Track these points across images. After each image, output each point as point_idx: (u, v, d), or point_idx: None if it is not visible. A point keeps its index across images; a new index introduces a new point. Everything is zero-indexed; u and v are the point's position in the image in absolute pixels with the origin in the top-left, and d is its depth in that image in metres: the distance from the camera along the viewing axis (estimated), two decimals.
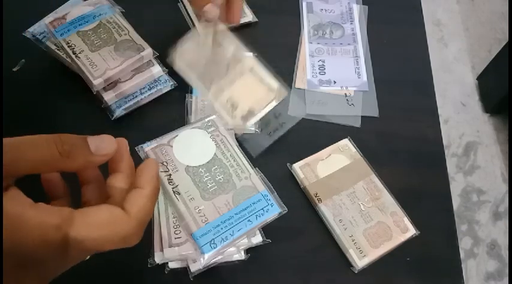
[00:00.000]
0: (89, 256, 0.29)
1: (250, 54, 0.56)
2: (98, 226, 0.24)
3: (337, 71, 0.56)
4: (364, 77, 0.56)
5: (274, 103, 0.50)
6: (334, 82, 0.55)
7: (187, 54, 0.55)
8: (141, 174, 0.29)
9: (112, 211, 0.26)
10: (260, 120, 0.50)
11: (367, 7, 0.63)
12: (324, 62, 0.56)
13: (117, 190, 0.28)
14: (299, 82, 0.55)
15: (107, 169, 0.30)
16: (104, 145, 0.27)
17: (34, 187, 0.26)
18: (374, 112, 0.54)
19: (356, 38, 0.59)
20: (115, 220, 0.25)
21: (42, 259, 0.24)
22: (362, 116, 0.54)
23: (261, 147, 0.48)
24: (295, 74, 0.56)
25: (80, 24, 0.52)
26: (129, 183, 0.28)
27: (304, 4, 0.60)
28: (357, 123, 0.53)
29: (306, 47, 0.58)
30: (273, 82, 0.51)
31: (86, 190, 0.30)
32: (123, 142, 0.29)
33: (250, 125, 0.49)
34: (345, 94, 0.55)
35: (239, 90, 0.51)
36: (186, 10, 0.60)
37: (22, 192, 0.24)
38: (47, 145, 0.24)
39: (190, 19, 0.59)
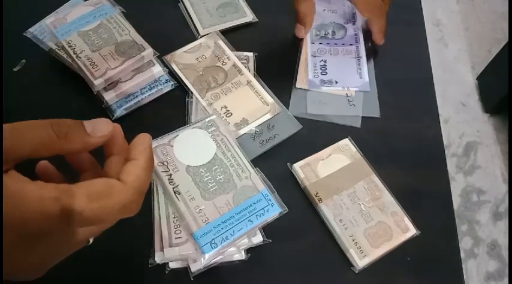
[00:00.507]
0: (91, 240, 0.29)
1: (251, 54, 0.57)
2: (96, 196, 0.25)
3: (338, 71, 0.56)
4: (366, 78, 0.56)
5: (268, 116, 0.51)
6: (336, 82, 0.55)
7: (185, 59, 0.55)
8: (134, 147, 0.29)
9: (109, 181, 0.26)
10: (253, 129, 0.50)
11: None
12: (325, 62, 0.56)
13: (113, 169, 0.29)
14: (300, 82, 0.55)
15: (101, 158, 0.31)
16: (100, 126, 0.28)
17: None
18: (375, 112, 0.54)
19: (358, 39, 0.59)
20: (112, 189, 0.26)
21: (45, 233, 0.24)
22: (362, 116, 0.54)
23: (251, 154, 0.48)
24: (296, 73, 0.56)
25: (80, 25, 0.52)
26: (122, 163, 0.29)
27: None
28: (357, 123, 0.53)
29: (308, 47, 0.58)
30: (268, 98, 0.52)
31: (84, 178, 0.31)
32: (117, 127, 0.30)
33: (243, 133, 0.50)
34: (346, 94, 0.55)
35: (235, 100, 0.52)
36: (186, 10, 0.60)
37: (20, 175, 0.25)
38: (44, 129, 0.25)
39: (191, 19, 0.60)
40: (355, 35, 0.59)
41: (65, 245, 0.27)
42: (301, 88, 0.55)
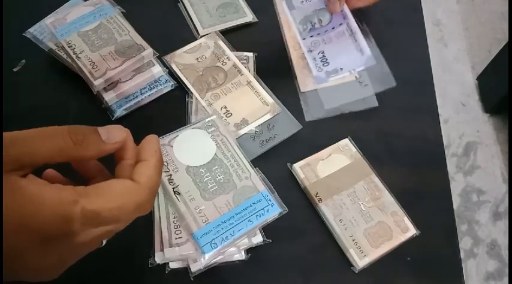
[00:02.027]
0: (105, 242, 0.30)
1: (251, 54, 0.57)
2: (112, 196, 0.26)
3: (339, 57, 0.54)
4: (367, 51, 0.53)
5: (268, 116, 0.51)
6: (341, 69, 0.54)
7: (184, 59, 0.55)
8: (144, 149, 0.30)
9: (123, 182, 0.27)
10: (253, 129, 0.50)
11: None
12: (323, 53, 0.55)
13: (125, 172, 0.29)
14: (303, 85, 0.55)
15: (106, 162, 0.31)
16: (114, 133, 0.28)
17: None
18: (390, 83, 0.53)
19: (345, 14, 0.54)
20: (127, 190, 0.27)
21: (63, 235, 0.25)
22: (376, 94, 0.53)
23: (251, 155, 0.48)
24: (295, 79, 0.56)
25: (80, 25, 0.52)
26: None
27: (283, 4, 0.57)
28: (374, 103, 0.53)
29: (302, 44, 0.56)
30: (268, 98, 0.52)
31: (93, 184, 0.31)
32: (128, 132, 0.30)
33: (243, 133, 0.50)
34: (355, 77, 0.54)
35: (235, 100, 0.52)
36: (186, 10, 0.60)
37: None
38: (61, 136, 0.26)
39: (191, 19, 0.60)
40: (341, 11, 0.55)
41: (81, 247, 0.27)
42: (307, 91, 0.54)
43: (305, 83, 0.55)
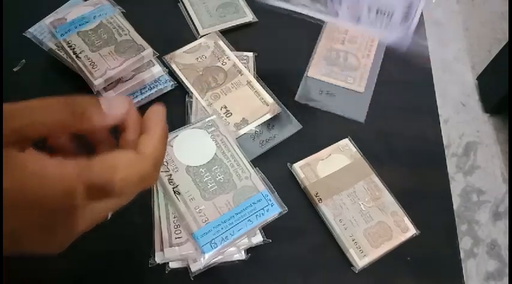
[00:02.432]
0: (110, 215, 0.29)
1: (251, 54, 0.57)
2: (116, 168, 0.25)
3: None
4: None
5: (268, 116, 0.51)
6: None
7: (184, 59, 0.55)
8: (148, 119, 0.29)
9: (127, 154, 0.26)
10: (253, 129, 0.50)
11: None
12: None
13: (129, 143, 0.28)
14: (313, 71, 0.55)
15: None
16: (116, 104, 0.27)
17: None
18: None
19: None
20: (131, 162, 0.26)
21: (67, 210, 0.24)
22: (376, 94, 0.54)
23: (251, 154, 0.48)
24: (310, 62, 0.56)
25: (80, 25, 0.52)
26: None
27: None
28: (362, 119, 0.54)
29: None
30: (268, 98, 0.52)
31: (99, 151, 0.30)
32: (131, 103, 0.29)
33: (243, 133, 0.50)
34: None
35: (235, 100, 0.52)
36: (186, 10, 0.60)
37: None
38: (60, 108, 0.25)
39: (191, 19, 0.60)
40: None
41: (86, 220, 0.26)
42: (312, 78, 0.55)
43: (314, 71, 0.55)
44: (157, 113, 0.29)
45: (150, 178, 0.27)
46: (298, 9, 0.45)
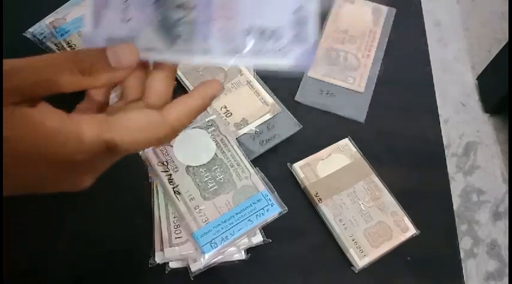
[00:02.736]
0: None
1: None
2: (135, 130, 0.24)
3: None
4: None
5: (268, 116, 0.51)
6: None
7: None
8: (200, 86, 0.27)
9: (149, 116, 0.25)
10: (253, 129, 0.50)
11: None
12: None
13: (155, 92, 0.26)
14: (313, 71, 0.55)
15: None
16: (124, 55, 0.25)
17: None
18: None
19: None
20: (151, 125, 0.25)
21: (88, 163, 0.24)
22: (376, 94, 0.54)
23: (251, 154, 0.48)
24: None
25: (80, 25, 0.52)
26: (169, 85, 0.27)
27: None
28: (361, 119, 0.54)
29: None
30: (268, 98, 0.52)
31: (125, 86, 0.28)
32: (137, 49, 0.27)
33: (243, 133, 0.50)
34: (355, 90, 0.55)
35: (235, 100, 0.52)
36: None
37: (51, 106, 0.24)
38: (66, 65, 0.23)
39: None
40: None
41: (107, 165, 0.26)
42: (312, 78, 0.55)
43: (315, 71, 0.56)
44: (213, 87, 0.27)
45: (166, 140, 0.26)
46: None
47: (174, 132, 0.26)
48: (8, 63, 0.23)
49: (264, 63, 0.25)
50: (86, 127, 0.23)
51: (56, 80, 0.23)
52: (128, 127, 0.24)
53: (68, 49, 0.50)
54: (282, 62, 0.25)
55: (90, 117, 0.24)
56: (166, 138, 0.26)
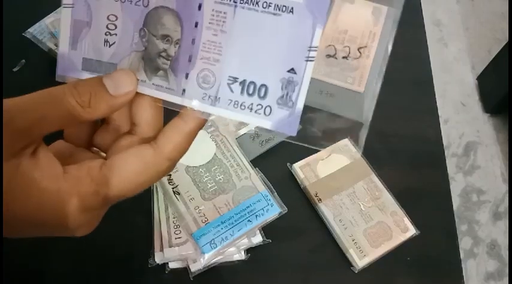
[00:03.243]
0: None
1: None
2: (133, 177, 0.24)
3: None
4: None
5: None
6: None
7: None
8: (185, 113, 0.25)
9: (144, 155, 0.24)
10: (253, 129, 0.50)
11: None
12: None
13: (145, 122, 0.25)
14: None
15: None
16: (122, 82, 0.24)
17: None
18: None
19: None
20: (148, 166, 0.24)
21: (89, 215, 0.24)
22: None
23: (251, 155, 0.48)
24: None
25: None
26: (157, 112, 0.25)
27: None
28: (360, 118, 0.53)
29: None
30: None
31: (109, 128, 0.28)
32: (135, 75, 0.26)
33: (243, 133, 0.50)
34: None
35: None
36: None
37: (50, 153, 0.23)
38: (65, 100, 0.23)
39: None
40: None
41: (98, 219, 0.26)
42: (312, 78, 0.55)
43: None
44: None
45: (166, 173, 0.25)
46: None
47: (174, 163, 0.25)
48: (8, 103, 0.22)
49: (242, 118, 0.23)
50: (84, 188, 0.23)
51: (56, 117, 0.23)
52: (125, 177, 0.24)
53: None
54: (262, 122, 0.23)
55: (87, 177, 0.23)
56: (166, 172, 0.25)
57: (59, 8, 0.56)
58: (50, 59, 0.54)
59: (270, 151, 0.50)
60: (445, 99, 1.40)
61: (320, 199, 0.47)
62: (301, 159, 0.49)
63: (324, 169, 0.49)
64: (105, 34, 0.24)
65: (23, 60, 0.55)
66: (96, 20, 0.24)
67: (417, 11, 0.65)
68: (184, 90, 0.24)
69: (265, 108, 0.23)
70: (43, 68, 0.55)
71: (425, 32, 0.63)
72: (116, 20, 0.24)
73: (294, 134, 0.24)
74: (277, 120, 0.24)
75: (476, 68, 1.47)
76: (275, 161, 0.50)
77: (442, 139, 0.54)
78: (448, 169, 0.53)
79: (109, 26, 0.24)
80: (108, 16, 0.24)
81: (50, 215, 0.23)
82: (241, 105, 0.23)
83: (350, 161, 0.49)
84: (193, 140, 0.25)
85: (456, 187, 1.25)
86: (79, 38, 0.25)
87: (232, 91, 0.23)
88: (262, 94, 0.23)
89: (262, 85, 0.23)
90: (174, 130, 0.24)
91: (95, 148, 0.27)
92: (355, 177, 0.49)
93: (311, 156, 0.49)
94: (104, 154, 0.27)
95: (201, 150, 0.46)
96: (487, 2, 1.63)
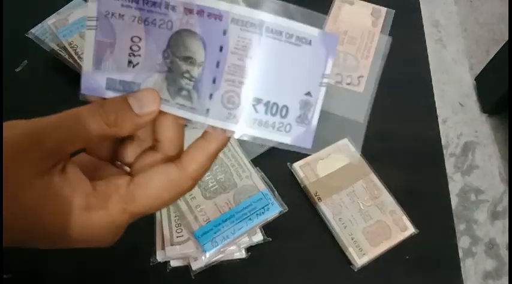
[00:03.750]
0: None
1: None
2: (158, 194, 0.25)
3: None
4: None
5: None
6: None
7: None
8: (212, 129, 0.25)
9: (169, 174, 0.25)
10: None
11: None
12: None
13: (168, 140, 0.26)
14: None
15: None
16: (146, 101, 0.25)
17: None
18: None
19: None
20: (173, 183, 0.25)
21: (115, 230, 0.26)
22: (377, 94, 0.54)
23: (252, 154, 0.49)
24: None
25: (82, 25, 0.52)
26: (179, 130, 0.26)
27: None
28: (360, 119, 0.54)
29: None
30: None
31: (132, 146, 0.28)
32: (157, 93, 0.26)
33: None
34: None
35: None
36: None
37: (78, 169, 0.24)
38: (92, 120, 0.24)
39: None
40: None
41: (121, 232, 0.27)
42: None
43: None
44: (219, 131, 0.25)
45: (188, 191, 0.26)
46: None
47: (195, 182, 0.26)
48: (38, 123, 0.23)
49: (265, 136, 0.25)
50: (113, 208, 0.24)
51: (84, 136, 0.24)
52: (151, 194, 0.25)
53: (70, 49, 0.51)
54: (283, 139, 0.26)
55: (115, 195, 0.24)
56: (189, 190, 0.26)
57: (61, 9, 0.56)
58: (52, 60, 0.54)
59: (271, 151, 0.51)
60: (444, 100, 1.41)
61: (320, 198, 0.47)
62: (301, 159, 0.50)
63: (323, 169, 0.49)
64: (129, 55, 0.25)
65: (25, 61, 0.55)
66: (119, 41, 0.25)
67: (416, 12, 0.65)
68: (208, 110, 0.25)
69: (286, 126, 0.26)
70: (45, 69, 0.55)
71: (424, 33, 0.63)
72: (140, 41, 0.25)
73: (309, 147, 0.27)
74: (296, 136, 0.26)
75: (475, 69, 1.47)
76: (275, 160, 0.50)
77: (440, 139, 0.54)
78: (446, 168, 0.53)
79: (133, 47, 0.25)
80: (132, 38, 0.25)
81: (78, 230, 0.24)
82: (265, 124, 0.25)
83: (349, 160, 0.50)
84: (214, 160, 0.26)
85: (454, 187, 1.26)
86: (103, 58, 0.25)
87: (257, 111, 0.25)
88: (283, 114, 0.25)
89: (284, 106, 0.25)
90: (198, 150, 0.25)
91: (118, 162, 0.28)
92: (354, 176, 0.49)
93: (311, 156, 0.50)
94: (127, 169, 0.28)
95: None
96: (485, 3, 1.64)
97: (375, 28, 0.61)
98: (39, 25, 0.55)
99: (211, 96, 0.24)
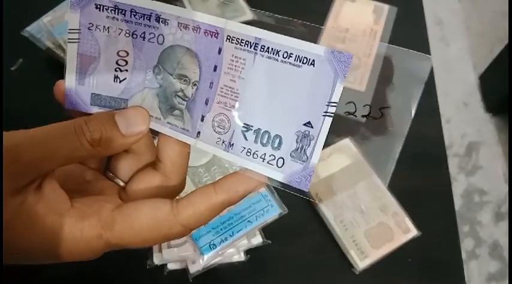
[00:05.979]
0: None
1: None
2: (140, 230, 0.23)
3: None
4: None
5: None
6: None
7: None
8: (225, 182, 0.23)
9: (159, 211, 0.23)
10: None
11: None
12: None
13: (169, 159, 0.24)
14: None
15: None
16: (135, 122, 0.23)
17: None
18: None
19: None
20: (159, 224, 0.23)
21: (88, 253, 0.24)
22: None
23: None
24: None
25: None
26: (183, 150, 0.24)
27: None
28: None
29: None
30: None
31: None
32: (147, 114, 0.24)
33: None
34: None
35: None
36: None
37: (57, 185, 0.23)
38: (76, 137, 0.22)
39: None
40: None
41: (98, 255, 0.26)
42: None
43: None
44: (241, 183, 0.23)
45: (177, 238, 0.24)
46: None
47: (188, 231, 0.23)
48: (19, 136, 0.21)
49: (254, 167, 0.23)
50: (88, 229, 0.22)
51: (65, 155, 0.22)
52: (133, 227, 0.23)
53: (66, 47, 0.50)
54: (274, 174, 0.22)
55: (93, 217, 0.23)
56: (177, 236, 0.24)
57: (56, 7, 0.56)
58: (48, 58, 0.53)
59: None
60: (447, 99, 1.40)
61: (321, 200, 0.46)
62: None
63: (324, 170, 0.48)
64: (115, 70, 0.24)
65: (21, 59, 0.55)
66: (104, 55, 0.23)
67: (419, 10, 0.64)
68: (199, 133, 0.23)
69: (277, 160, 0.22)
70: (40, 67, 0.55)
71: (426, 31, 0.62)
72: (127, 56, 0.23)
73: (306, 190, 0.23)
74: (290, 173, 0.23)
75: (478, 67, 1.46)
76: None
77: (443, 139, 0.54)
78: (449, 169, 0.52)
79: (119, 62, 0.23)
80: (119, 52, 0.23)
81: (53, 249, 0.22)
82: (253, 154, 0.23)
83: (351, 161, 0.49)
84: (217, 214, 0.23)
85: (458, 188, 1.25)
86: (87, 73, 0.24)
87: (246, 138, 0.23)
88: (276, 145, 0.22)
89: (277, 135, 0.22)
90: (201, 196, 0.23)
91: (110, 174, 0.26)
92: (356, 178, 0.48)
93: None
94: (120, 182, 0.26)
95: (200, 149, 0.45)
96: (489, 1, 1.62)
97: (377, 26, 0.60)
98: (35, 23, 0.54)
99: (203, 118, 0.23)
